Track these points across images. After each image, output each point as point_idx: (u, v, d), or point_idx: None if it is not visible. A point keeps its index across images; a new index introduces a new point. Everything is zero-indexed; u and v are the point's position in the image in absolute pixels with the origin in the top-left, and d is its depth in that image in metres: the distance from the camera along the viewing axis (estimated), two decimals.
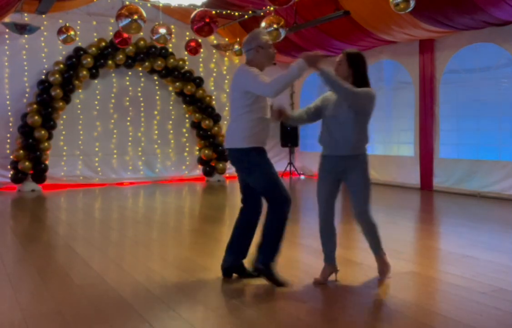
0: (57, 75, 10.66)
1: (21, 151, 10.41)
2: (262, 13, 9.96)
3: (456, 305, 3.68)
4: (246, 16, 10.58)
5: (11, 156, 10.52)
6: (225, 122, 12.42)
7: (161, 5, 9.70)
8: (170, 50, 11.93)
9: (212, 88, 12.81)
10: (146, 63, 11.74)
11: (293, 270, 4.59)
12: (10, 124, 10.73)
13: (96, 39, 11.29)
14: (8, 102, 10.74)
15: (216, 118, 12.43)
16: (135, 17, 7.89)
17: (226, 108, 12.65)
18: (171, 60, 11.85)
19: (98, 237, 6.40)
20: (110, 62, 11.39)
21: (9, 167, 10.56)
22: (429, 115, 9.93)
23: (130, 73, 11.99)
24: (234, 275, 4.36)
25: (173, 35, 9.88)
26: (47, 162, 10.69)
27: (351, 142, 4.06)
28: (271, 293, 4.00)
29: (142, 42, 11.51)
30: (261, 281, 4.24)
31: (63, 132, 11.27)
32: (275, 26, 8.42)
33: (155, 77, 12.23)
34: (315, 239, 4.58)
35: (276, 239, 4.17)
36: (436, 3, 7.92)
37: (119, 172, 11.95)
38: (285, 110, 4.31)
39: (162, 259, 5.24)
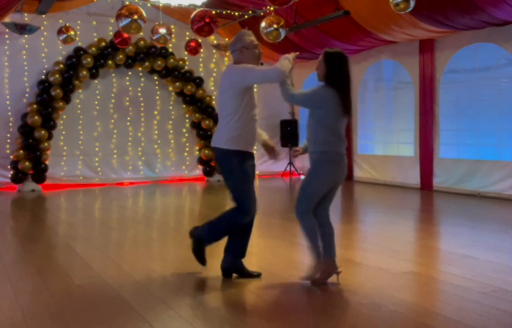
0: (57, 75, 10.66)
1: (21, 151, 10.40)
2: (262, 13, 9.95)
3: (456, 305, 3.68)
4: (246, 16, 10.57)
5: (11, 156, 10.51)
6: None
7: (161, 5, 9.69)
8: (170, 50, 11.93)
9: (212, 88, 12.80)
10: (146, 63, 11.74)
11: (293, 270, 4.59)
12: (10, 124, 10.72)
13: (96, 39, 11.29)
14: (8, 102, 10.73)
15: (216, 118, 12.30)
16: (135, 17, 7.88)
17: None
18: (171, 60, 11.85)
19: (98, 237, 6.40)
20: (110, 62, 11.39)
21: (9, 166, 10.56)
22: (429, 115, 9.93)
23: (130, 73, 11.99)
24: (234, 275, 4.37)
25: (173, 35, 9.86)
26: (47, 162, 10.69)
27: (311, 141, 4.21)
28: (271, 293, 4.00)
29: (142, 42, 11.51)
30: (261, 281, 4.25)
31: (63, 132, 11.27)
32: (275, 26, 8.41)
33: (155, 77, 12.23)
34: None
35: (218, 228, 4.34)
36: (436, 3, 7.92)
37: (119, 172, 11.94)
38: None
39: (162, 259, 5.25)
